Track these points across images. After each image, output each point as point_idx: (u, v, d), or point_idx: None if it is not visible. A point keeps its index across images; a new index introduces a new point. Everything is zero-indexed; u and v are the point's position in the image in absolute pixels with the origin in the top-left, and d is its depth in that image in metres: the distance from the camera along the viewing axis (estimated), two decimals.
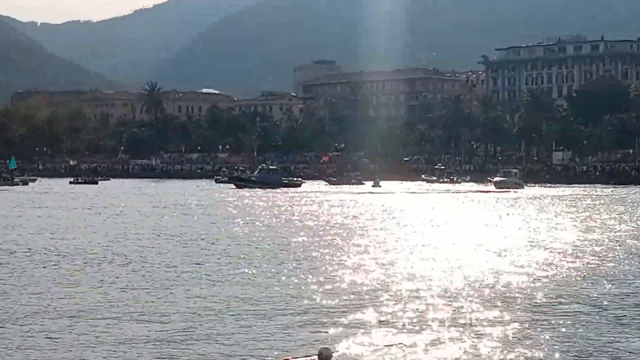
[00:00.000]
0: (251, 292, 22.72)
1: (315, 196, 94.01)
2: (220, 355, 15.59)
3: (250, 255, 32.77)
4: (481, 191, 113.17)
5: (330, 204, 74.52)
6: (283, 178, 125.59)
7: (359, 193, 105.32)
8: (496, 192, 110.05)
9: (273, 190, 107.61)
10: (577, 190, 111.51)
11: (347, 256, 32.27)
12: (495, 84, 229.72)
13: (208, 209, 65.68)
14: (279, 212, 61.97)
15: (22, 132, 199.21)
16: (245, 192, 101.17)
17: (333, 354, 15.17)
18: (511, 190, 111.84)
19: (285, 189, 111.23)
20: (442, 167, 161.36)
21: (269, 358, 15.29)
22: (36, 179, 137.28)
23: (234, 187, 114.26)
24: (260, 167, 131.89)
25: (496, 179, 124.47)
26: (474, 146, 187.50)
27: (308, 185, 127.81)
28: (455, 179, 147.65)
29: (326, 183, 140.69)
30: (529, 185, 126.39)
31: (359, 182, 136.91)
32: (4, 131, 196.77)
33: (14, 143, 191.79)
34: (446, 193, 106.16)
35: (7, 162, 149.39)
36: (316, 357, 15.03)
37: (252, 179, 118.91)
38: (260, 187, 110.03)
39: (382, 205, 71.86)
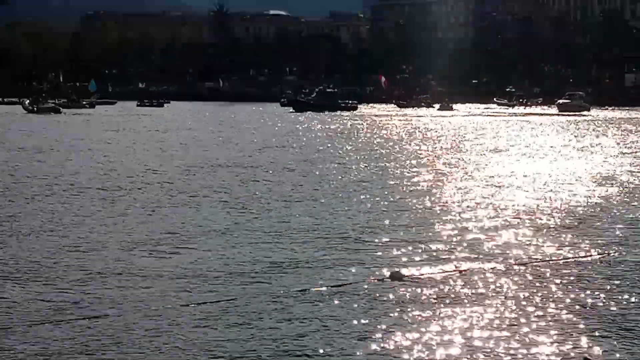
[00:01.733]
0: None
1: (389, 119, 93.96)
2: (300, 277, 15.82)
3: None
4: (545, 114, 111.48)
5: (412, 127, 74.42)
6: (340, 101, 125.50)
7: (431, 116, 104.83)
8: (560, 115, 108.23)
9: (331, 113, 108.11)
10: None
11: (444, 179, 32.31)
12: (567, 3, 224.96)
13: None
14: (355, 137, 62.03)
15: (92, 55, 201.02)
16: (301, 115, 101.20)
17: (404, 276, 15.42)
18: (576, 112, 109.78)
19: (343, 112, 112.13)
20: (514, 90, 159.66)
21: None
22: (115, 102, 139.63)
23: (293, 110, 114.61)
24: (317, 89, 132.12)
25: (560, 101, 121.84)
26: (545, 68, 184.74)
27: (377, 109, 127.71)
28: (525, 102, 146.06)
29: (395, 106, 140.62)
30: (596, 108, 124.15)
31: (429, 105, 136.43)
32: (75, 54, 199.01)
33: (85, 66, 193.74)
34: (511, 117, 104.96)
35: (87, 85, 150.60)
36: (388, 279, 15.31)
37: (310, 102, 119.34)
38: (319, 110, 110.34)
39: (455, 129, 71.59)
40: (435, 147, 50.12)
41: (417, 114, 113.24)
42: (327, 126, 77.28)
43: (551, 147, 50.63)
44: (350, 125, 79.79)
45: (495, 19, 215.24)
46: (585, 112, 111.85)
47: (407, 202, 25.72)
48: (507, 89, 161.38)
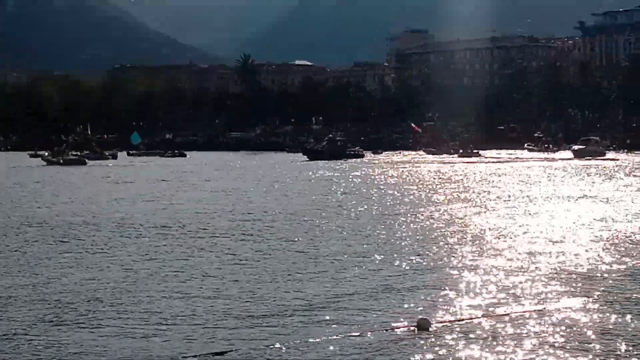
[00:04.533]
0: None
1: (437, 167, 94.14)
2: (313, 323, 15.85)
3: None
4: (558, 159, 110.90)
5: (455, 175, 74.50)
6: (348, 150, 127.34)
7: (467, 162, 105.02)
8: (576, 160, 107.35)
9: (338, 160, 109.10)
10: None
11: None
12: (592, 50, 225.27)
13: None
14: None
15: (120, 107, 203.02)
16: (315, 164, 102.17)
17: (431, 325, 15.38)
18: (591, 157, 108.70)
19: (351, 160, 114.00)
20: (542, 136, 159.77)
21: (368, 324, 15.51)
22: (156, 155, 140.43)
23: (307, 159, 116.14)
24: (326, 138, 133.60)
25: (574, 147, 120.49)
26: (572, 114, 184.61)
27: (402, 156, 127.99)
28: (551, 148, 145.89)
29: (424, 153, 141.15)
30: (617, 151, 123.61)
31: (457, 152, 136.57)
32: (104, 105, 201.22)
33: (113, 117, 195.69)
34: (540, 161, 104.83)
35: (129, 137, 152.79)
36: (415, 327, 15.29)
37: (320, 150, 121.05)
38: (328, 158, 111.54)
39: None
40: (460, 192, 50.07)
41: (443, 160, 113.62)
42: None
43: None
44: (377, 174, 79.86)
45: (521, 66, 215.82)
46: (600, 157, 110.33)
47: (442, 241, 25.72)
48: (536, 134, 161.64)
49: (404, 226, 32.24)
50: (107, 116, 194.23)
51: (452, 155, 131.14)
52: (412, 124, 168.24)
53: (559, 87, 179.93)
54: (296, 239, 28.37)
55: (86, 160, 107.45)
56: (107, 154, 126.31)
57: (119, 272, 21.85)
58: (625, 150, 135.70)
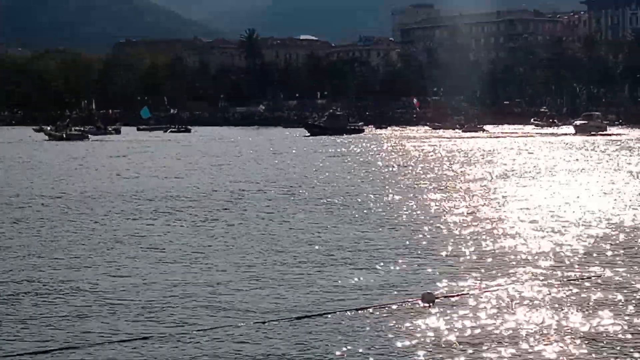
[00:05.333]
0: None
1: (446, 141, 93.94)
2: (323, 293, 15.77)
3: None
4: (562, 134, 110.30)
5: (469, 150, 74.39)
6: (349, 124, 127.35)
7: (471, 138, 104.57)
8: (577, 135, 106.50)
9: (339, 135, 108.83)
10: None
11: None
12: (598, 24, 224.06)
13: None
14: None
15: (124, 82, 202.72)
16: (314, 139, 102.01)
17: (436, 299, 15.28)
18: (593, 133, 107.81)
19: (351, 135, 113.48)
20: (547, 111, 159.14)
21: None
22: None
23: (308, 134, 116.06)
24: (326, 113, 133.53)
25: (576, 122, 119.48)
26: (577, 88, 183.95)
27: (408, 130, 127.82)
28: (557, 123, 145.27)
29: (430, 128, 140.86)
30: (619, 125, 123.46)
31: (462, 127, 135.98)
32: (107, 81, 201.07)
33: (117, 93, 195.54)
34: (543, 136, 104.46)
35: (139, 112, 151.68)
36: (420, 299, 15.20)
37: (321, 125, 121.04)
38: (329, 134, 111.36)
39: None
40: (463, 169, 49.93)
41: (446, 135, 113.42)
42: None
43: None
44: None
45: (526, 40, 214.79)
46: (602, 132, 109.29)
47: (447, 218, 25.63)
48: (542, 110, 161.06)
49: (402, 206, 32.11)
50: (111, 91, 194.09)
51: (456, 131, 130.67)
52: (414, 99, 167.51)
53: (563, 62, 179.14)
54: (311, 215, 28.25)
55: (89, 135, 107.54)
56: (110, 129, 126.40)
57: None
58: (632, 126, 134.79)
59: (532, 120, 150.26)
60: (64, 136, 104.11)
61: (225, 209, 29.88)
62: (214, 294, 16.09)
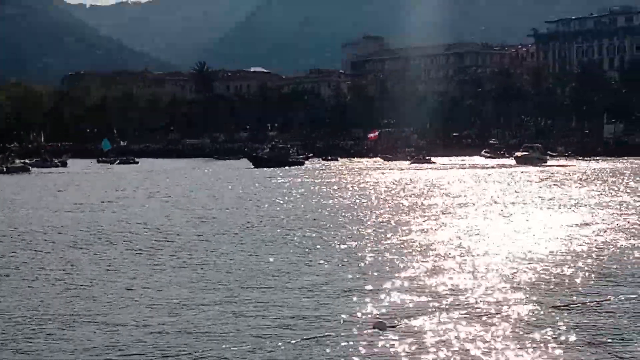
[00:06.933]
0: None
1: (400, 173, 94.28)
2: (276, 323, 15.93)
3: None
4: (500, 166, 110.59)
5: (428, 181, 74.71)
6: (291, 157, 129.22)
7: (426, 169, 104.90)
8: (517, 167, 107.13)
9: (281, 168, 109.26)
10: (620, 164, 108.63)
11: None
12: (545, 57, 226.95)
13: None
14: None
15: (74, 114, 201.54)
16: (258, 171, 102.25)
17: (387, 328, 15.52)
18: (534, 165, 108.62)
19: (293, 167, 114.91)
20: (496, 142, 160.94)
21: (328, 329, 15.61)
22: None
23: (252, 165, 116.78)
24: (269, 145, 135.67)
25: (517, 154, 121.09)
26: (524, 120, 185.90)
27: (360, 163, 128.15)
28: (504, 154, 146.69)
29: (381, 160, 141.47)
30: (557, 158, 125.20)
31: (413, 158, 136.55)
32: (58, 114, 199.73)
33: (67, 126, 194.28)
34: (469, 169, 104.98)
35: (100, 144, 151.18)
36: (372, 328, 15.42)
37: (264, 157, 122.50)
38: (271, 166, 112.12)
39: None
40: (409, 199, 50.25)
41: (394, 167, 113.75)
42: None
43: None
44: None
45: (475, 73, 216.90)
46: (542, 165, 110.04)
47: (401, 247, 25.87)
48: (491, 141, 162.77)
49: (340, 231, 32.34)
50: (60, 124, 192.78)
51: (404, 162, 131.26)
52: (370, 131, 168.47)
53: (512, 94, 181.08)
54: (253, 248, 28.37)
55: (30, 168, 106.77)
56: (56, 161, 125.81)
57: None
58: (579, 157, 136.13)
59: (482, 152, 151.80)
60: (4, 170, 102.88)
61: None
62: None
